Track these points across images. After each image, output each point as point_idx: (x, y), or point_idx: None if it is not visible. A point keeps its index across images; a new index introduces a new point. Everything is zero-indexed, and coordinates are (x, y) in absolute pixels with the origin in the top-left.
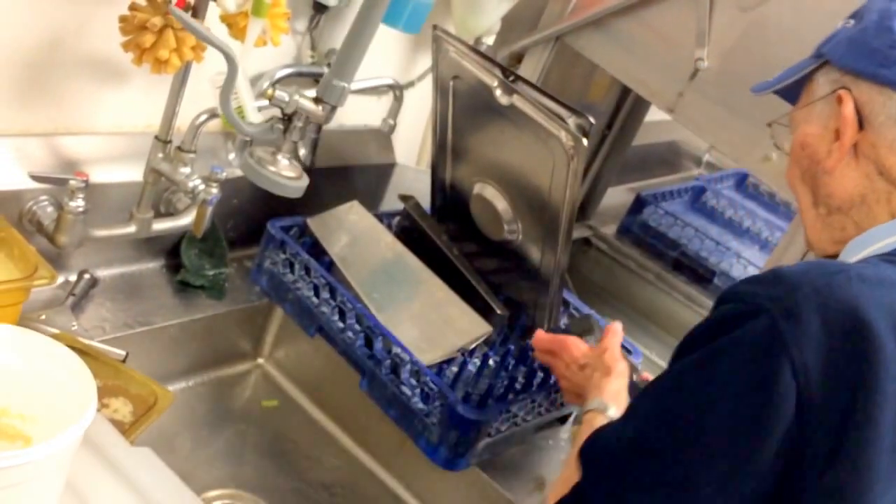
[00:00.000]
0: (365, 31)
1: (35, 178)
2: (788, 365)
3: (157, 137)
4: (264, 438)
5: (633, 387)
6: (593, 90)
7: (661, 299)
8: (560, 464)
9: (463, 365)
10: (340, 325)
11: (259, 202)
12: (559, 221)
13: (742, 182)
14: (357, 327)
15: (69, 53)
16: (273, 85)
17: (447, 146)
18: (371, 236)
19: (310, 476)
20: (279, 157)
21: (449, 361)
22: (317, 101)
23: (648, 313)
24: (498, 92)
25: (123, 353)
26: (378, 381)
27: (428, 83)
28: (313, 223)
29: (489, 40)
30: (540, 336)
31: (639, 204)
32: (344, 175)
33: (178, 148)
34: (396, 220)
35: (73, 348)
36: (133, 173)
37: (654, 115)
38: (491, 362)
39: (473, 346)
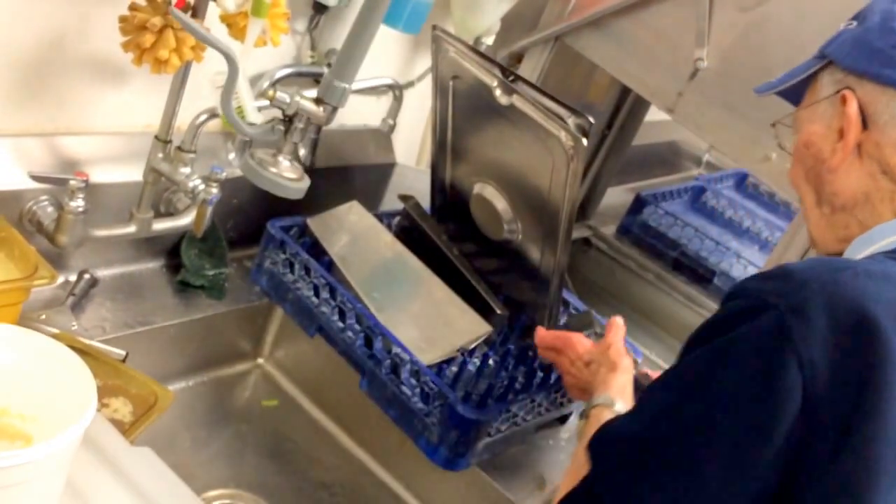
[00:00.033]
0: (365, 31)
1: (35, 178)
2: (795, 360)
3: (157, 137)
4: (264, 438)
5: (633, 381)
6: (593, 90)
7: (661, 299)
8: (560, 464)
9: (463, 365)
10: (340, 325)
11: (259, 202)
12: (559, 221)
13: (742, 182)
14: (357, 327)
15: (69, 53)
16: (273, 85)
17: (447, 146)
18: (371, 236)
19: (310, 476)
20: (280, 158)
21: (449, 361)
22: (318, 102)
23: (648, 313)
24: (497, 92)
25: (123, 352)
26: (378, 380)
27: (428, 83)
28: (313, 223)
29: (489, 40)
30: (542, 333)
31: (639, 204)
32: (344, 175)
33: (178, 148)
34: (396, 220)
35: (73, 348)
36: (133, 173)
37: (654, 115)
38: (491, 362)
39: (473, 345)
